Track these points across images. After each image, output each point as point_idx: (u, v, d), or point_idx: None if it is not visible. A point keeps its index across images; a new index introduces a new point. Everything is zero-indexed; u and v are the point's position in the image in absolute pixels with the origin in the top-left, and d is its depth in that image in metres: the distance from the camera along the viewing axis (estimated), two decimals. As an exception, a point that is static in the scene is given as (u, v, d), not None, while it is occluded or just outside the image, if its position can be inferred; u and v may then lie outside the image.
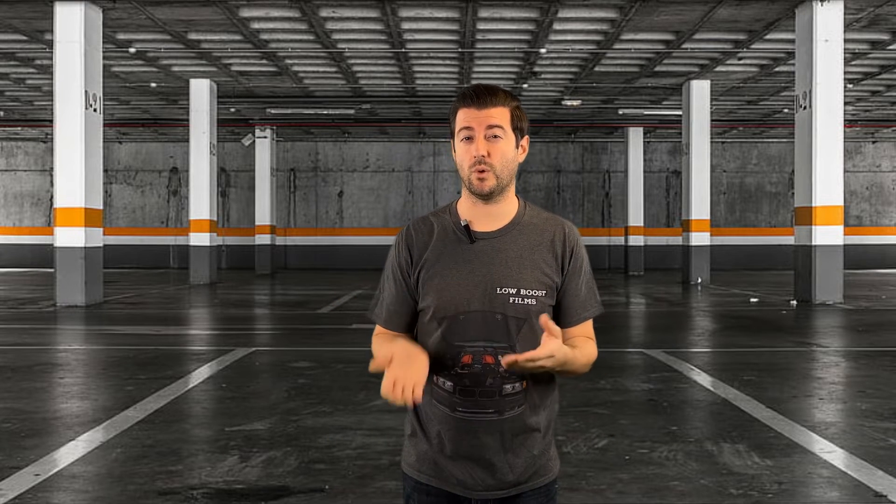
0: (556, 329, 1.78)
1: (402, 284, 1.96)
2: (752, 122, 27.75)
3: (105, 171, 29.64)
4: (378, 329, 2.02)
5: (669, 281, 22.40)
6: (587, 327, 2.00)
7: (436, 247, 1.93)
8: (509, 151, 1.91)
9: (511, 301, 1.86)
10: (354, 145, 31.17)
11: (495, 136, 1.88)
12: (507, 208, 1.95)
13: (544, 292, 1.89)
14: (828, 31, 13.92)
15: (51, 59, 15.68)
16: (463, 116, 1.90)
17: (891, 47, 17.30)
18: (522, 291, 1.87)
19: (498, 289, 1.86)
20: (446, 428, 1.87)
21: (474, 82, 20.71)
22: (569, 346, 1.86)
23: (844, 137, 14.86)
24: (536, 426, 1.91)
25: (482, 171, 1.88)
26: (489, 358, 1.85)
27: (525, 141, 1.96)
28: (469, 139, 1.89)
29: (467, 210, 1.95)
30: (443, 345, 1.88)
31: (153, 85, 21.53)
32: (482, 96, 1.89)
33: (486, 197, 1.91)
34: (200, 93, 20.98)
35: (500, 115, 1.89)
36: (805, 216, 14.43)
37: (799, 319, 12.25)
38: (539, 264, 1.90)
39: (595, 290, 2.02)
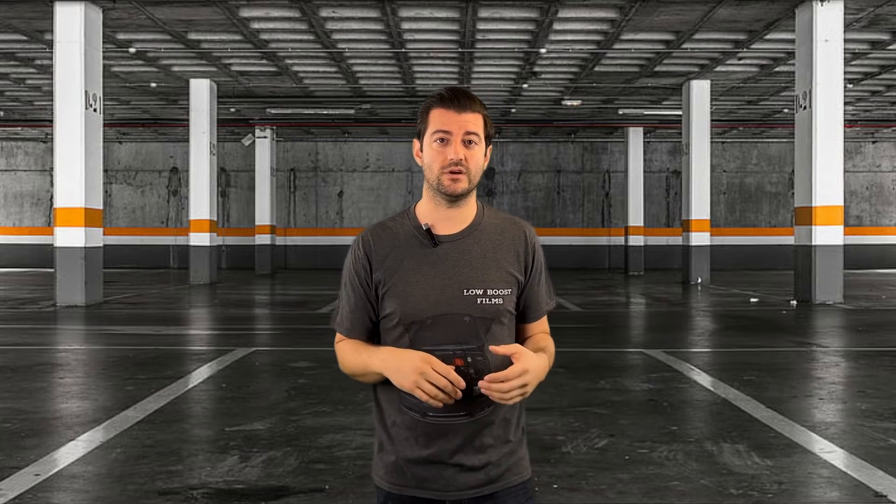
0: (519, 352, 1.79)
1: (362, 292, 1.95)
2: (752, 122, 27.75)
3: (105, 171, 29.65)
4: (339, 337, 2.01)
5: (669, 281, 22.39)
6: (545, 322, 2.04)
7: (396, 252, 1.92)
8: (481, 158, 1.92)
9: (479, 302, 1.86)
10: (354, 145, 31.17)
11: (471, 142, 1.88)
12: (469, 211, 1.95)
13: (510, 291, 1.91)
14: (828, 31, 13.92)
15: (51, 59, 15.68)
16: (439, 117, 1.89)
17: (891, 47, 17.29)
18: (489, 291, 1.88)
19: (465, 290, 1.87)
20: (417, 433, 1.87)
21: (474, 82, 20.87)
22: (537, 353, 1.88)
23: (844, 137, 14.86)
24: (507, 424, 1.91)
25: (455, 174, 1.87)
26: (459, 361, 1.84)
27: (489, 150, 1.96)
28: (444, 141, 1.88)
29: (428, 213, 1.95)
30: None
31: (153, 85, 21.53)
32: (462, 100, 1.89)
33: (456, 198, 1.90)
34: (200, 93, 20.98)
35: (477, 121, 1.90)
36: (805, 216, 14.43)
37: (799, 319, 12.25)
38: (502, 263, 1.91)
39: (551, 284, 2.05)
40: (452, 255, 1.90)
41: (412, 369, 1.76)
